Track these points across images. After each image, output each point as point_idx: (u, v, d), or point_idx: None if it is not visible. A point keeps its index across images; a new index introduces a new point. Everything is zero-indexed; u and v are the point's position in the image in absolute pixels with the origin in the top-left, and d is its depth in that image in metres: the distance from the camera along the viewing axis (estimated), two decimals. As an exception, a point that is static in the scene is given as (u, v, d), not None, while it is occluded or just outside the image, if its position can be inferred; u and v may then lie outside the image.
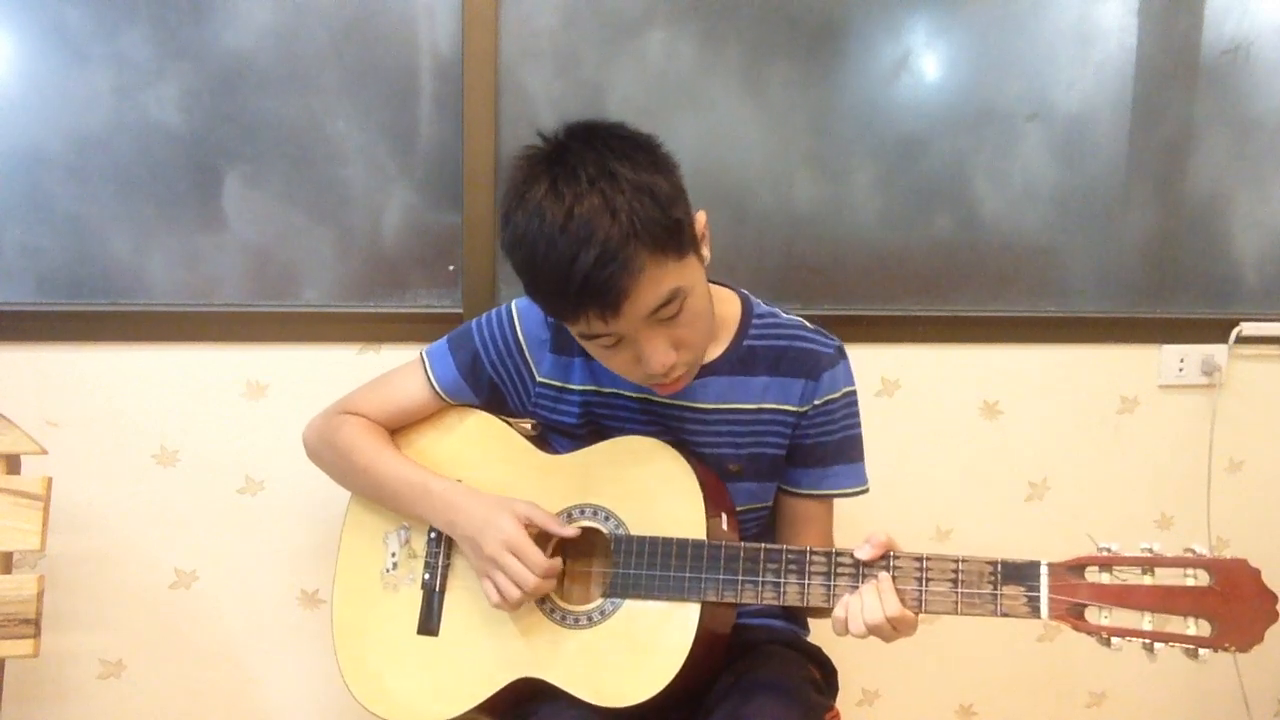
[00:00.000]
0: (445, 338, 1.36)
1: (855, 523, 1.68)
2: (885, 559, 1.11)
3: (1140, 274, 1.99)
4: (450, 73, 1.70)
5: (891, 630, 1.09)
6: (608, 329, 1.10)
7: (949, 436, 1.92)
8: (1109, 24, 1.91)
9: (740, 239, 1.83)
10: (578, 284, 1.05)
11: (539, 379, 1.31)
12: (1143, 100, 1.93)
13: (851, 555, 1.12)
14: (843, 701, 1.35)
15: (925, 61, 1.87)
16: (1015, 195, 1.92)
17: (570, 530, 1.23)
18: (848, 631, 1.11)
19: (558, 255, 1.05)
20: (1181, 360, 1.97)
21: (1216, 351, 1.97)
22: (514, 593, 1.19)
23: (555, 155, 1.11)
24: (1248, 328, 1.97)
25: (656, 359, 1.12)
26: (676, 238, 1.10)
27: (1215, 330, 1.97)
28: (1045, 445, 1.96)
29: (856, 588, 1.11)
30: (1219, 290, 2.02)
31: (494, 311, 1.34)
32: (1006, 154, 1.91)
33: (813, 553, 1.14)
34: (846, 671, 1.36)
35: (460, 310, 1.73)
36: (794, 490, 1.34)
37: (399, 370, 1.38)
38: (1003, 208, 1.92)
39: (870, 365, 1.84)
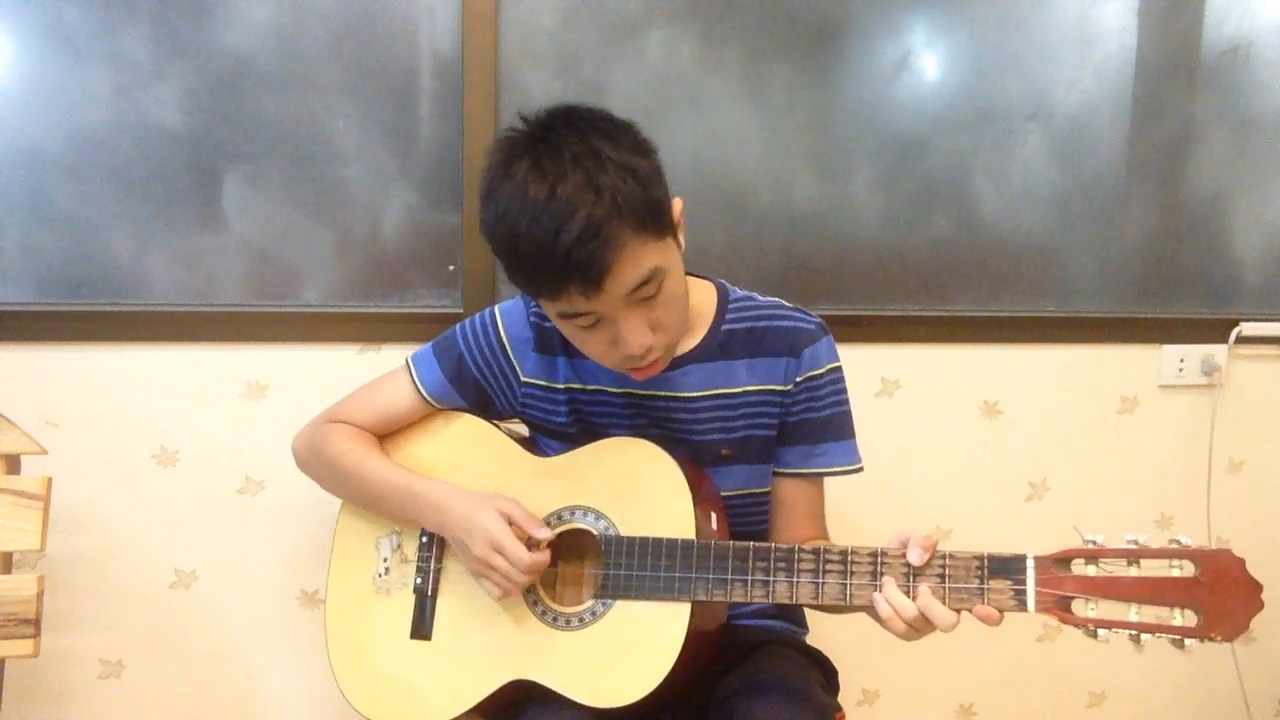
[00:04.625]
0: (430, 343, 1.37)
1: (856, 523, 1.69)
2: (874, 556, 1.10)
3: (1140, 274, 1.99)
4: (450, 73, 1.70)
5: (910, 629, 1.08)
6: (589, 306, 1.10)
7: (949, 436, 1.92)
8: (1109, 24, 1.91)
9: (740, 239, 1.83)
10: (560, 258, 1.05)
11: (524, 379, 1.32)
12: (1143, 100, 1.93)
13: (840, 551, 1.12)
14: (843, 701, 1.35)
15: (925, 61, 1.87)
16: (1015, 195, 1.92)
17: (547, 534, 1.22)
18: (895, 616, 1.08)
19: (540, 230, 1.06)
20: (1181, 360, 1.97)
21: (1216, 351, 1.97)
22: (499, 592, 1.21)
23: (538, 135, 1.11)
24: (1248, 328, 1.97)
25: (635, 339, 1.13)
26: (657, 218, 1.11)
27: (1215, 330, 1.97)
28: (1045, 445, 1.96)
29: (845, 585, 1.11)
30: (1219, 290, 2.02)
31: (478, 315, 1.35)
32: (1006, 154, 1.91)
33: (801, 550, 1.14)
34: (846, 671, 1.35)
35: (460, 310, 1.73)
36: (784, 471, 1.33)
37: (385, 377, 1.38)
38: (1003, 208, 1.92)
39: (870, 365, 1.84)
